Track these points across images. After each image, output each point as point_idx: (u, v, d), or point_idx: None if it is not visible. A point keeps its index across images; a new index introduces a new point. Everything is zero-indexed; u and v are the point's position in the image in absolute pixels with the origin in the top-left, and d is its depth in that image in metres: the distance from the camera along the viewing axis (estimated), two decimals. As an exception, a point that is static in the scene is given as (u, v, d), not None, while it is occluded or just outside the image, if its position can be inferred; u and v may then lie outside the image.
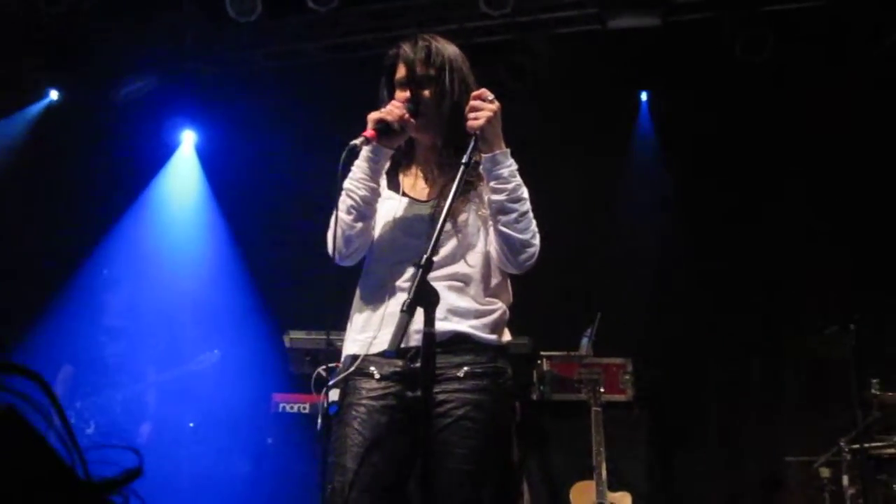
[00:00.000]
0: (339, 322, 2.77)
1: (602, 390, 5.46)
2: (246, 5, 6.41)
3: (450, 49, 2.78)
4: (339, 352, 2.84)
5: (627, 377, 5.90)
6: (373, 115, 2.64)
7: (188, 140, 7.80)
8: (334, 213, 2.65)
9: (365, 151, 2.66)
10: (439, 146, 2.75)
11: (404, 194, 2.76)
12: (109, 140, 7.34)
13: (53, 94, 7.45)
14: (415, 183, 2.80)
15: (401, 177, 2.81)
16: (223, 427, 6.82)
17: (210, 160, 7.84)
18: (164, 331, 6.84)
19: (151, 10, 6.72)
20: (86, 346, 6.53)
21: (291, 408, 5.83)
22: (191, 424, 6.75)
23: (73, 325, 6.64)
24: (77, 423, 6.34)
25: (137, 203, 7.53)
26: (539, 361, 5.90)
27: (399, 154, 2.77)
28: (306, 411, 5.79)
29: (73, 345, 6.56)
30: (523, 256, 2.63)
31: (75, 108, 7.47)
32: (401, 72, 2.75)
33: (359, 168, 2.68)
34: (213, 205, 7.67)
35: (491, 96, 2.58)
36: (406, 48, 2.74)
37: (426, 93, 2.71)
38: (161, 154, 7.70)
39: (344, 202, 2.65)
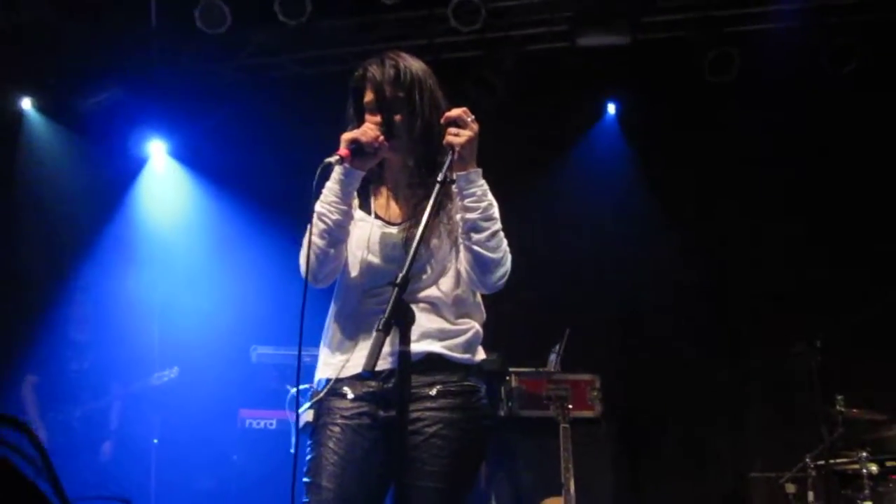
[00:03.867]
0: (307, 338, 2.73)
1: (570, 406, 5.45)
2: (215, 17, 6.37)
3: (416, 67, 2.73)
4: (306, 368, 2.81)
5: (595, 393, 5.90)
6: (347, 136, 2.59)
7: (158, 152, 7.71)
8: (306, 235, 2.61)
9: (337, 173, 2.61)
10: (411, 166, 2.72)
11: (376, 216, 2.73)
12: (75, 151, 7.26)
13: (25, 104, 7.34)
14: (386, 204, 2.77)
15: (372, 198, 2.77)
16: (188, 443, 6.74)
17: (175, 173, 7.78)
18: (131, 345, 6.76)
19: (119, 20, 6.65)
20: (50, 359, 6.44)
21: (258, 423, 5.78)
22: (155, 441, 6.66)
23: (40, 338, 6.55)
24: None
25: (108, 214, 7.43)
26: (507, 378, 5.89)
27: (369, 174, 2.71)
28: (273, 427, 5.75)
29: (39, 357, 6.48)
30: (495, 276, 2.61)
31: (40, 117, 7.38)
32: (369, 95, 2.69)
33: (330, 191, 2.62)
34: (182, 217, 7.60)
35: (472, 116, 2.56)
36: (373, 70, 2.68)
37: (397, 116, 2.66)
38: (129, 166, 7.61)
39: (316, 226, 2.60)
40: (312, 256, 2.60)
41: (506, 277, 2.64)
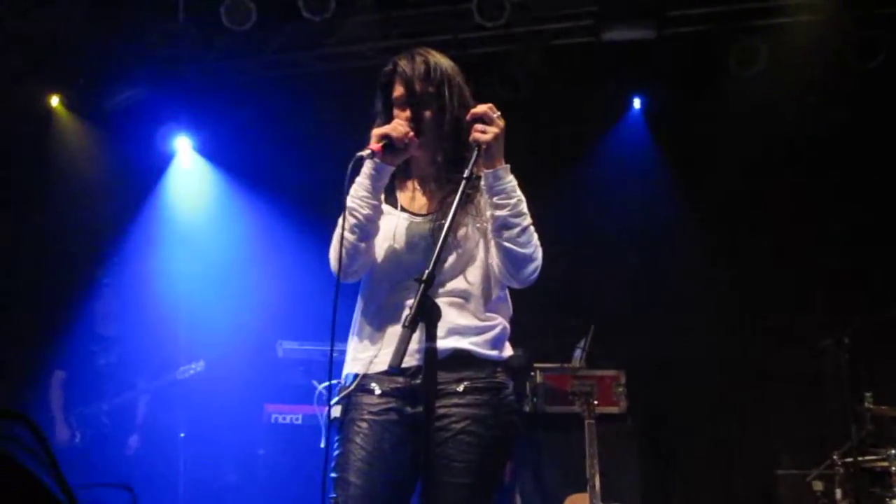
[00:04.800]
0: (335, 333, 2.73)
1: (595, 402, 5.44)
2: (240, 14, 6.40)
3: (445, 63, 2.74)
4: (334, 363, 2.82)
5: (621, 389, 5.89)
6: (377, 131, 2.61)
7: (184, 148, 7.75)
8: (337, 230, 2.62)
9: (367, 168, 2.63)
10: (439, 161, 2.73)
11: (403, 209, 2.74)
12: (103, 148, 7.32)
13: (54, 101, 7.40)
14: (412, 197, 2.78)
15: (398, 191, 2.78)
16: (214, 437, 6.78)
17: (202, 169, 7.82)
18: (157, 340, 6.81)
19: (146, 18, 6.69)
20: (78, 354, 6.50)
21: (284, 418, 5.80)
22: (181, 434, 6.70)
23: (68, 333, 6.62)
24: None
25: (134, 210, 7.48)
26: (532, 373, 5.90)
27: (396, 168, 2.72)
28: (299, 422, 5.76)
29: (67, 352, 6.54)
30: (527, 271, 2.62)
31: (68, 114, 7.45)
32: (399, 90, 2.70)
33: (360, 185, 2.63)
34: (208, 213, 7.64)
35: (498, 112, 2.56)
36: (403, 65, 2.69)
37: (427, 112, 2.67)
38: (156, 162, 7.65)
39: (347, 221, 2.61)
40: (343, 251, 2.61)
41: (538, 272, 2.64)
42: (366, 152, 2.56)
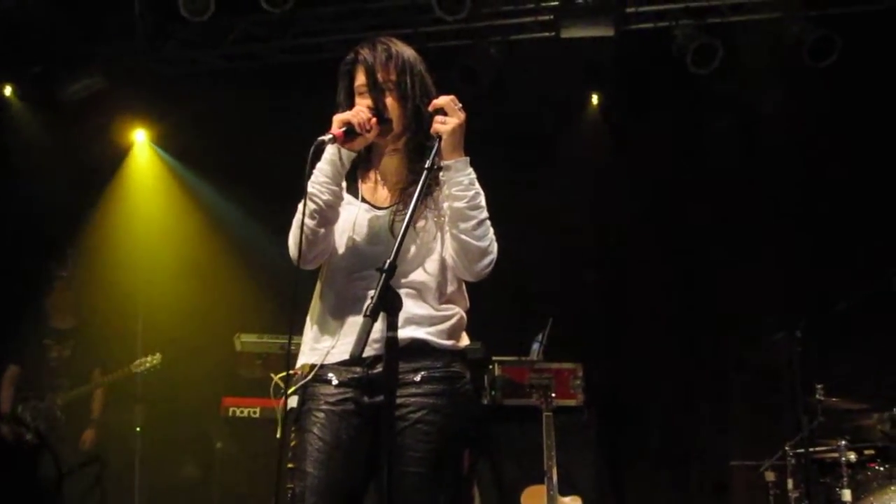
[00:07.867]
0: (289, 326, 2.72)
1: (553, 395, 5.48)
2: (198, 4, 6.33)
3: (408, 52, 2.76)
4: (291, 356, 2.82)
5: (578, 382, 5.94)
6: (339, 117, 2.61)
7: (141, 140, 7.67)
8: (297, 216, 2.62)
9: (328, 154, 2.63)
10: (400, 150, 2.75)
11: (364, 200, 2.74)
12: (58, 139, 7.21)
13: (6, 91, 7.27)
14: (374, 188, 2.78)
15: (359, 181, 2.78)
16: (171, 431, 6.74)
17: (159, 161, 7.75)
18: (112, 333, 6.74)
19: (103, 6, 6.61)
20: (31, 348, 6.42)
21: (242, 412, 5.77)
22: (137, 429, 6.65)
23: (22, 327, 6.53)
24: (17, 428, 6.24)
25: (91, 203, 7.39)
26: (490, 366, 5.92)
27: (357, 158, 2.73)
28: (257, 415, 5.74)
29: (20, 346, 6.46)
30: (481, 265, 2.63)
31: (21, 105, 7.33)
32: (360, 78, 2.71)
33: (321, 171, 2.64)
34: (166, 205, 7.57)
35: (459, 105, 2.58)
36: (365, 53, 2.70)
37: (388, 99, 2.69)
38: (112, 154, 7.56)
39: (307, 206, 2.61)
40: (302, 237, 2.61)
41: (492, 265, 2.66)
42: (327, 137, 2.56)
